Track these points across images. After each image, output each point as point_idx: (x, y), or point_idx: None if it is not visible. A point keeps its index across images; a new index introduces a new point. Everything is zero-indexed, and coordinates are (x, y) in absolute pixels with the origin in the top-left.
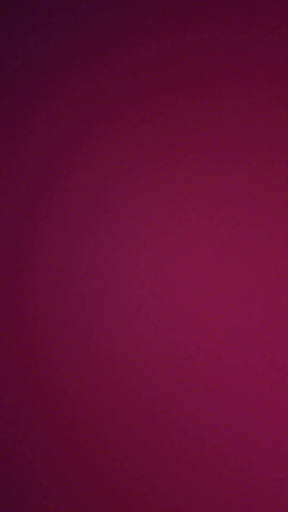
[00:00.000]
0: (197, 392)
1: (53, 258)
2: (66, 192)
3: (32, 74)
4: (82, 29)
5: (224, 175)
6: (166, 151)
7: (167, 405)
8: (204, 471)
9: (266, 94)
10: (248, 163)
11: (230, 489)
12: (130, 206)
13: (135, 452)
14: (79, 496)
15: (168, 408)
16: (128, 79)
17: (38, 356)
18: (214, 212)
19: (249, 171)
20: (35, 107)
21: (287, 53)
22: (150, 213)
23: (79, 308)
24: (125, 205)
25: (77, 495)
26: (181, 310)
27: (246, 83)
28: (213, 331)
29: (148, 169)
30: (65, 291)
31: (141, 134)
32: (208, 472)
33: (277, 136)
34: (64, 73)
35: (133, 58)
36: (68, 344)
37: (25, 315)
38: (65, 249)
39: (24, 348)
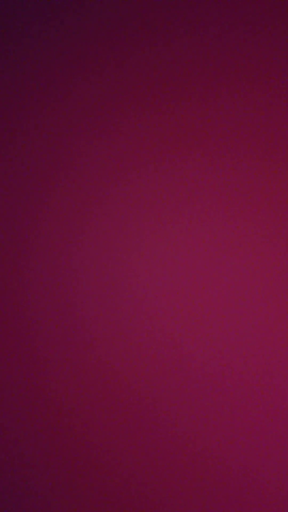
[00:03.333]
0: (197, 394)
1: (51, 258)
2: (65, 191)
3: (32, 73)
4: (83, 29)
5: (225, 175)
6: (166, 150)
7: (167, 407)
8: (204, 473)
9: (266, 94)
10: (248, 163)
11: (230, 490)
12: (129, 206)
13: (135, 455)
14: (78, 501)
15: (168, 411)
16: (128, 77)
17: (35, 357)
18: (214, 211)
19: (250, 171)
20: (34, 106)
21: (287, 53)
22: (150, 213)
23: (77, 308)
24: (124, 205)
25: (76, 499)
26: (181, 311)
27: (246, 83)
28: (214, 331)
29: (147, 169)
30: (63, 291)
31: (140, 134)
32: (208, 474)
33: (278, 135)
34: (65, 71)
35: (133, 58)
36: (66, 345)
37: (22, 315)
38: (63, 249)
39: (21, 349)
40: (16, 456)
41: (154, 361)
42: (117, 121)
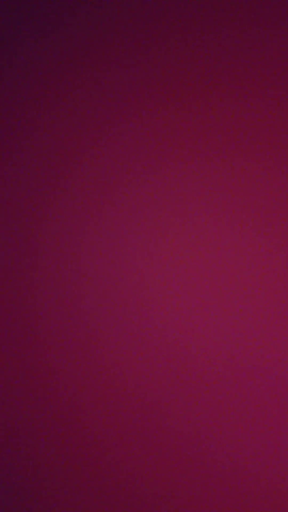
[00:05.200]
0: (199, 397)
1: (54, 261)
2: (67, 194)
3: (33, 75)
4: (83, 30)
5: (227, 177)
6: (168, 153)
7: (170, 410)
8: (205, 474)
9: (267, 95)
10: (250, 165)
11: (230, 491)
12: (132, 208)
13: (136, 456)
14: (79, 500)
15: (170, 414)
16: (129, 79)
17: (39, 359)
18: (217, 215)
19: (251, 173)
20: (36, 109)
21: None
22: (152, 216)
23: (80, 311)
24: (127, 207)
25: (77, 499)
26: (183, 314)
27: (247, 84)
28: (216, 335)
29: (150, 171)
30: (66, 294)
31: (142, 136)
32: (208, 474)
33: (279, 137)
34: (65, 73)
35: (134, 59)
36: (69, 348)
37: (25, 318)
38: (66, 252)
39: (24, 351)
40: (16, 451)
41: (155, 360)
42: (118, 124)
